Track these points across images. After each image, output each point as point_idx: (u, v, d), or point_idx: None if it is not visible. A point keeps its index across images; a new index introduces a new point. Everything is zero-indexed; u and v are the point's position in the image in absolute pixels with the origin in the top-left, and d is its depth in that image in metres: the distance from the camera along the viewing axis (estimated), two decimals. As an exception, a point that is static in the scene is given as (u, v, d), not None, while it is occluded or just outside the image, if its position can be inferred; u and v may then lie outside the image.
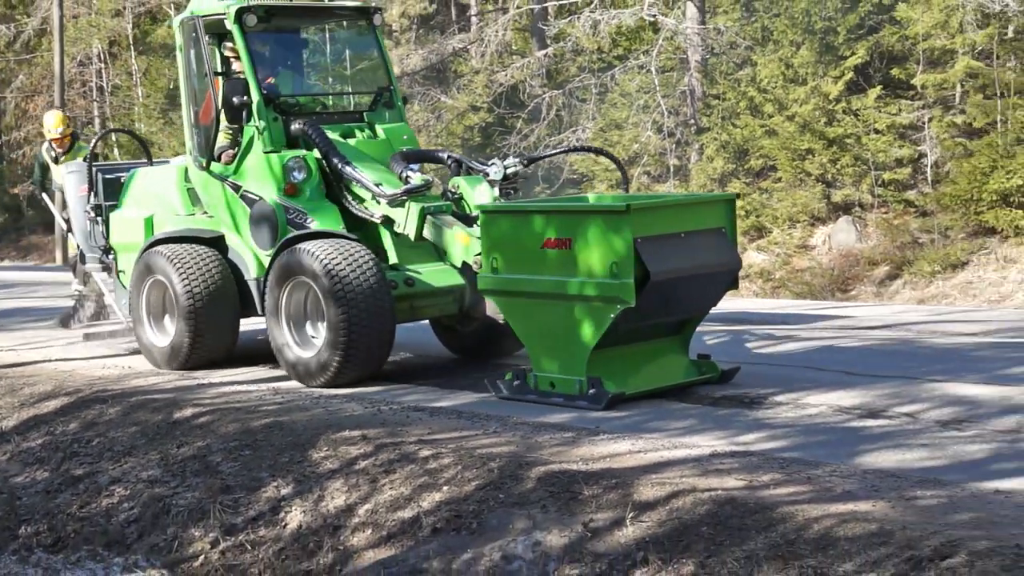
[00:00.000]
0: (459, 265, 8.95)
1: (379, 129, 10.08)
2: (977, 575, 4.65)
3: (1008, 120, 19.87)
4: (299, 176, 9.53)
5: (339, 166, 9.43)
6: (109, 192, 11.41)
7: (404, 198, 9.09)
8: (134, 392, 9.35)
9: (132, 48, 35.06)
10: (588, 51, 25.05)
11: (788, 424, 7.30)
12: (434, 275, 9.41)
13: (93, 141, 12.07)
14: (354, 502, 6.76)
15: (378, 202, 9.25)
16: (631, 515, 5.75)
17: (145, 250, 10.26)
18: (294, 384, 9.29)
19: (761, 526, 5.40)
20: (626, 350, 8.09)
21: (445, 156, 9.67)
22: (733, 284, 8.30)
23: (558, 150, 13.38)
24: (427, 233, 9.01)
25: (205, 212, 10.30)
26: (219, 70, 10.19)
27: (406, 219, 9.07)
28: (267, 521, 6.95)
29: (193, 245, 10.04)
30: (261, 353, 10.42)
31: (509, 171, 9.28)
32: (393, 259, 9.43)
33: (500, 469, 6.51)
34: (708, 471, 6.24)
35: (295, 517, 6.88)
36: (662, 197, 8.61)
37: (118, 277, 11.11)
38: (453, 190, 9.29)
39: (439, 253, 9.37)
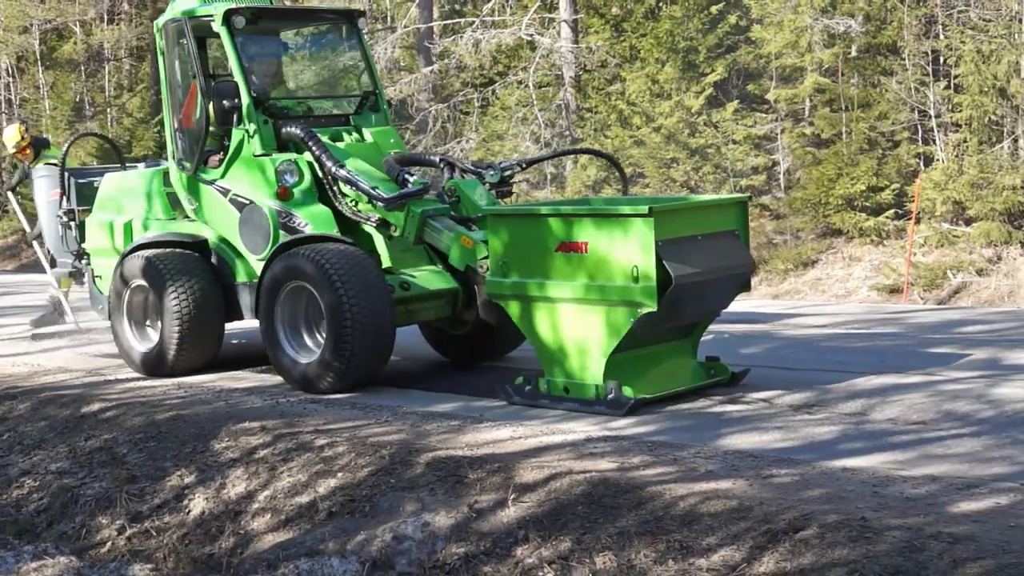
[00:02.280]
0: (462, 269, 8.28)
1: (366, 133, 9.42)
2: (827, 546, 4.72)
3: (852, 131, 20.32)
4: (291, 179, 8.88)
5: (334, 169, 8.75)
6: (82, 196, 10.72)
7: (402, 202, 8.49)
8: (43, 388, 9.11)
9: (39, 63, 34.18)
10: (471, 68, 25.04)
11: (656, 411, 7.36)
12: (428, 278, 8.86)
13: (65, 146, 11.21)
14: (254, 489, 6.66)
15: (375, 205, 8.63)
16: (513, 496, 5.75)
17: (126, 255, 9.50)
18: (197, 379, 9.12)
19: (632, 504, 5.44)
20: (638, 354, 7.50)
21: (438, 160, 9.11)
22: (746, 286, 7.83)
23: (556, 152, 12.75)
24: (427, 237, 8.42)
25: (187, 216, 9.57)
26: (209, 72, 9.49)
27: (405, 222, 8.48)
28: (171, 508, 6.82)
29: (176, 250, 9.33)
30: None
31: (506, 174, 8.84)
32: (386, 263, 8.88)
33: (391, 456, 6.46)
34: (583, 454, 6.26)
35: (198, 504, 6.75)
36: (678, 200, 8.08)
37: (94, 282, 10.32)
38: (449, 193, 8.64)
39: (431, 256, 8.95)
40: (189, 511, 6.74)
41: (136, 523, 6.82)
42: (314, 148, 8.87)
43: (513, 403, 7.64)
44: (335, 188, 8.89)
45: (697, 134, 21.58)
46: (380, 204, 8.54)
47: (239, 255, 9.16)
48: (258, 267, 8.87)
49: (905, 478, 5.55)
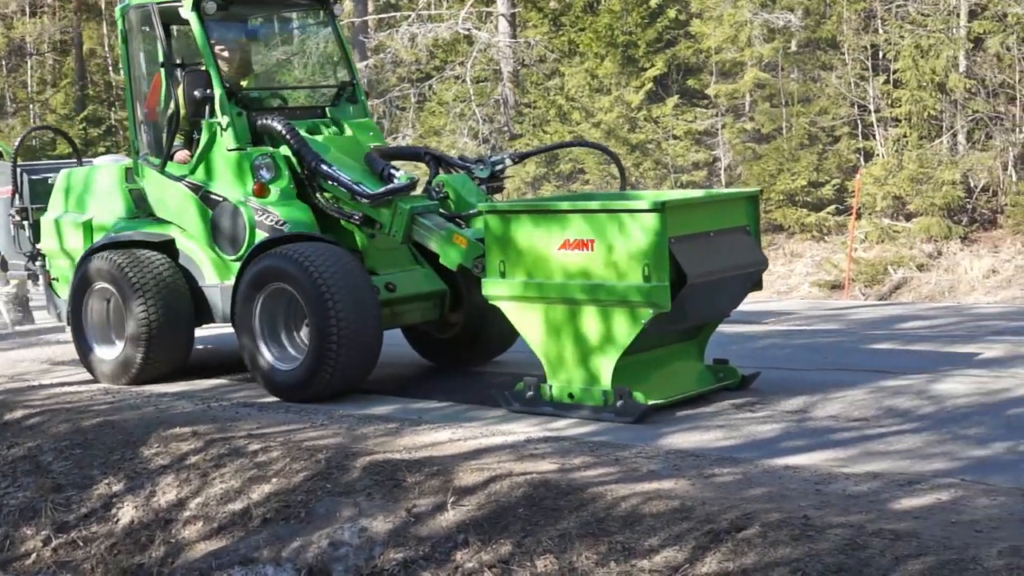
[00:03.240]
0: (455, 269, 7.91)
1: (345, 125, 9.01)
2: (769, 545, 4.76)
3: (792, 126, 20.51)
4: (268, 175, 8.47)
5: (313, 164, 8.37)
6: (35, 194, 10.24)
7: (388, 198, 8.13)
8: (-36, 395, 8.95)
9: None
10: (407, 63, 24.97)
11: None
12: (414, 279, 8.61)
13: (17, 141, 10.76)
14: (185, 496, 6.59)
15: (358, 203, 8.26)
16: (452, 500, 5.74)
17: (87, 256, 9.04)
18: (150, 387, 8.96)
19: (573, 506, 5.45)
20: (644, 357, 7.24)
21: (423, 153, 8.84)
22: (757, 285, 7.59)
23: (551, 146, 12.34)
24: (416, 235, 8.05)
25: (151, 215, 9.11)
26: (177, 61, 8.89)
27: (392, 220, 8.10)
28: (99, 518, 6.73)
29: (142, 250, 8.86)
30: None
31: (496, 169, 8.53)
32: (369, 263, 8.53)
33: (327, 460, 6.43)
34: (523, 456, 6.27)
35: (127, 513, 6.67)
36: (689, 195, 7.80)
37: (50, 285, 9.81)
38: (437, 189, 8.32)
39: (415, 256, 8.70)
40: (118, 520, 6.66)
41: (62, 533, 6.72)
42: (293, 142, 8.50)
43: (513, 411, 7.33)
44: (315, 184, 8.52)
45: (637, 129, 21.70)
46: (365, 201, 8.18)
47: (210, 256, 8.76)
48: (232, 268, 8.53)
49: (847, 475, 5.61)
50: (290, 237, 8.25)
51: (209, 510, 6.40)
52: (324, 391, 7.94)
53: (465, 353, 9.07)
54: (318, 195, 8.53)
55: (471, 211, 8.13)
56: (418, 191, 8.55)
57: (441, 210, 8.22)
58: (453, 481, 5.92)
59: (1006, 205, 18.97)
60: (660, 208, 6.67)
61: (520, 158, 8.92)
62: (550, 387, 7.20)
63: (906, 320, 10.94)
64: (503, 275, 7.27)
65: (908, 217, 19.59)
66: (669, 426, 6.82)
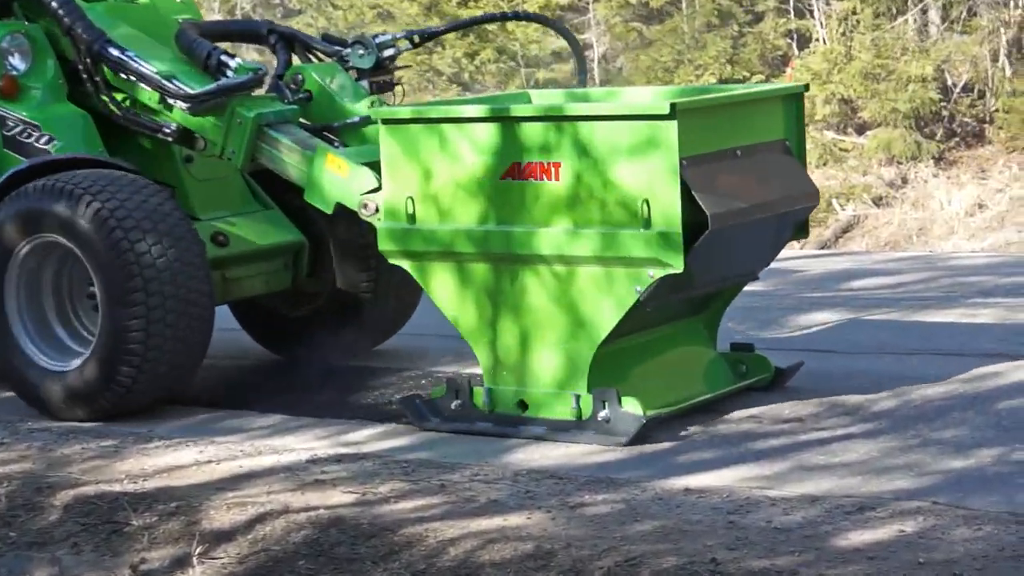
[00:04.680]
0: (329, 210, 7.52)
1: None
2: (663, 602, 4.86)
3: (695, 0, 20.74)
4: (21, 64, 8.15)
5: (96, 47, 7.93)
6: None
7: (221, 100, 7.78)
8: None
9: None
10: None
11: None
12: (256, 227, 8.39)
13: None
14: None
15: (170, 107, 7.90)
16: (199, 551, 5.70)
17: None
18: None
19: (379, 555, 5.46)
20: (633, 344, 7.06)
21: (265, 31, 8.51)
22: (802, 230, 7.49)
23: (472, 20, 12.23)
24: (264, 158, 7.75)
25: None
26: None
27: (225, 136, 7.75)
28: None
29: None
30: None
31: (385, 55, 8.27)
32: (187, 203, 8.21)
33: (8, 496, 6.35)
34: (306, 483, 6.26)
35: None
36: (702, 91, 7.55)
37: None
38: (294, 85, 8.03)
39: (256, 192, 8.48)
40: None
41: None
42: (62, 12, 8.02)
43: (427, 428, 7.10)
44: (98, 79, 8.09)
45: (471, 2, 21.69)
46: (182, 105, 7.84)
47: None
48: None
49: (773, 500, 5.72)
50: (62, 163, 7.89)
51: None
52: (123, 403, 7.64)
53: (331, 340, 8.76)
54: (103, 96, 8.12)
55: (351, 120, 7.89)
56: (265, 90, 8.18)
57: (303, 119, 7.99)
58: (200, 523, 5.87)
59: (996, 111, 19.50)
60: (670, 113, 6.41)
61: (424, 38, 8.82)
62: (489, 392, 6.96)
63: (858, 277, 11.19)
64: (412, 220, 7.01)
65: (860, 129, 20.04)
66: (517, 436, 6.88)
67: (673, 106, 6.39)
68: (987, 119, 19.67)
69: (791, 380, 7.47)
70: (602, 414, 6.63)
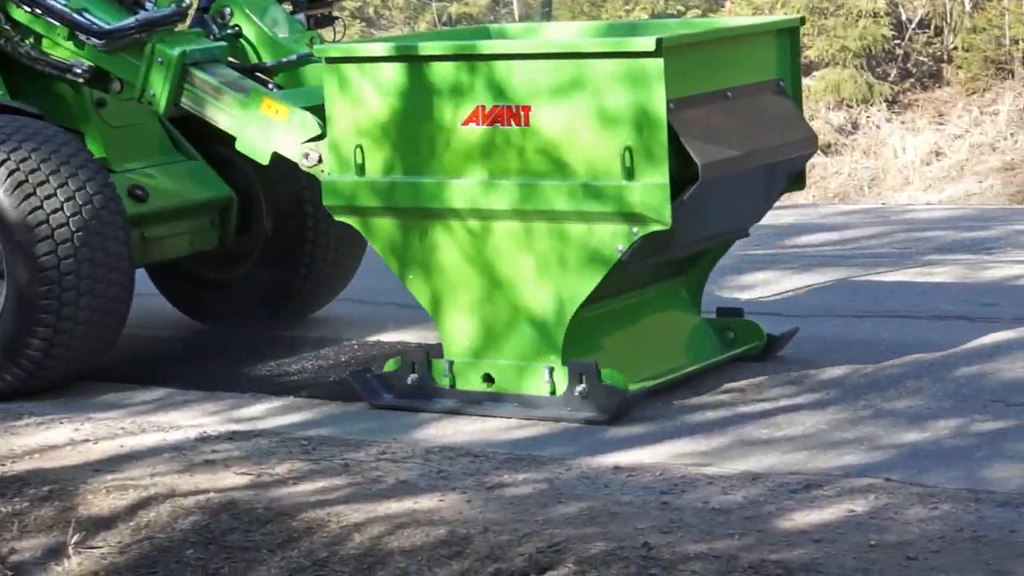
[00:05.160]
0: (265, 161, 7.37)
1: None
2: (590, 591, 4.87)
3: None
4: None
5: None
6: None
7: (139, 36, 7.63)
8: None
9: None
10: None
11: (313, 380, 7.40)
12: (177, 182, 8.29)
13: None
14: None
15: (81, 45, 7.79)
16: (76, 539, 5.68)
17: None
18: None
19: (276, 542, 5.46)
20: (610, 309, 7.02)
21: None
22: (798, 180, 7.39)
23: None
24: (188, 101, 7.61)
25: None
26: None
27: (145, 76, 7.63)
28: None
29: None
30: None
31: None
32: (99, 152, 8.07)
33: None
34: (194, 464, 6.25)
35: None
36: (688, 27, 7.50)
37: None
38: (220, 19, 8.01)
39: (178, 141, 8.37)
40: None
41: None
42: None
43: (379, 406, 7.01)
44: None
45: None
46: (95, 41, 7.75)
47: None
48: None
49: (710, 478, 5.76)
50: None
51: None
52: (32, 381, 7.53)
53: (263, 307, 8.67)
54: (4, 31, 8.03)
55: (287, 59, 7.86)
56: (188, 24, 8.09)
57: (232, 58, 7.92)
58: (77, 509, 5.85)
59: (955, 49, 19.60)
60: (656, 50, 6.33)
61: None
62: (451, 366, 6.90)
63: (804, 232, 11.25)
64: (360, 171, 6.92)
65: (807, 70, 20.10)
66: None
67: (659, 42, 6.32)
68: (945, 58, 19.77)
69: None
70: (579, 388, 6.57)
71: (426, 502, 5.63)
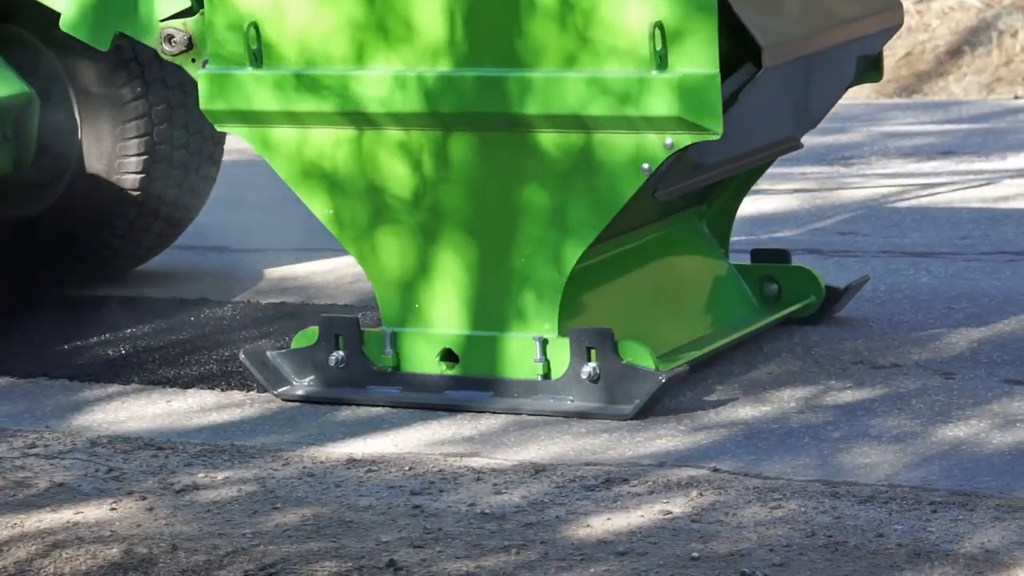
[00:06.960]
0: (106, 45, 7.11)
1: None
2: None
3: None
4: None
5: None
6: None
7: None
8: None
9: None
10: None
11: None
12: None
13: None
14: None
15: None
16: None
17: None
18: None
19: None
20: (604, 256, 6.78)
21: None
22: (874, 70, 7.27)
23: None
24: None
25: None
26: None
27: None
28: None
29: None
30: None
31: None
32: None
33: None
34: None
35: None
36: None
37: None
38: None
39: None
40: None
41: None
42: None
43: (289, 398, 6.84)
44: None
45: None
46: None
47: None
48: None
49: (478, 472, 5.91)
50: None
51: None
52: None
53: (68, 257, 8.70)
54: None
55: None
56: None
57: None
58: None
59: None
60: None
61: None
62: (392, 338, 6.75)
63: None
64: (256, 61, 6.68)
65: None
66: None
67: None
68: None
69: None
70: (587, 368, 6.41)
71: (92, 512, 5.69)
